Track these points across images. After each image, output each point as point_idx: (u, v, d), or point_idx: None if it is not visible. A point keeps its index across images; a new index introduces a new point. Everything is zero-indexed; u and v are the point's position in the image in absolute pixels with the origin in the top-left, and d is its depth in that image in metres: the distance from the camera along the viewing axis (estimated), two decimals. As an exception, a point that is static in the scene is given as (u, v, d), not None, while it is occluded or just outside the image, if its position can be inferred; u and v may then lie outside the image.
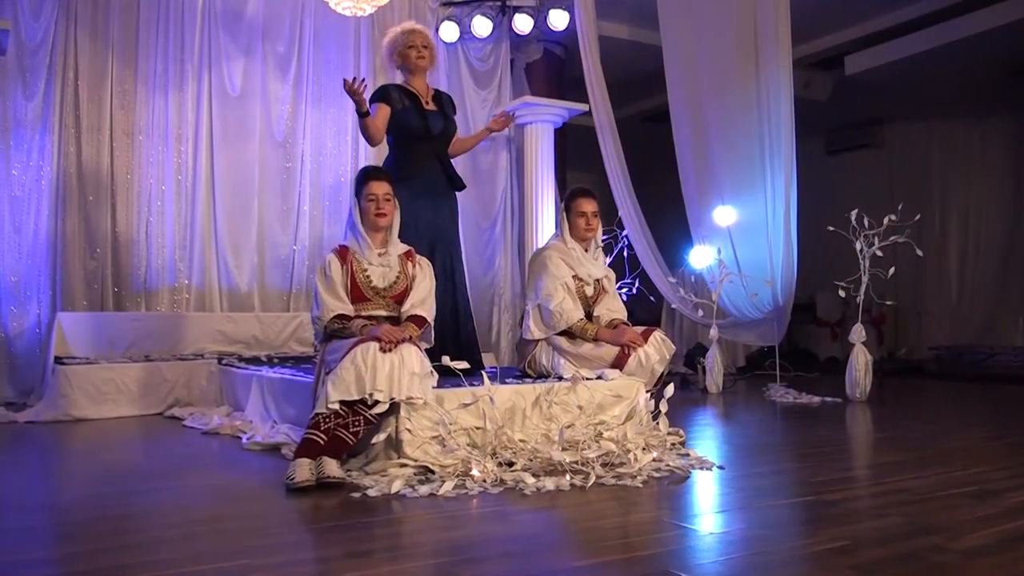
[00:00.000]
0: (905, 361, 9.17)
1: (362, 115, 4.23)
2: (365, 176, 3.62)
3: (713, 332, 6.50)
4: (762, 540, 2.28)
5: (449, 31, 7.25)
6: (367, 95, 4.22)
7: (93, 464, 3.76)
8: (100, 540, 2.34)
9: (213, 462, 3.67)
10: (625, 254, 6.84)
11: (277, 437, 3.83)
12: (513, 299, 7.47)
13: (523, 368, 4.16)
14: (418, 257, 3.72)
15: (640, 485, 2.90)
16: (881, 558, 2.04)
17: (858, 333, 5.68)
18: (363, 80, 4.12)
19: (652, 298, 7.10)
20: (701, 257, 6.88)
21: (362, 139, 6.96)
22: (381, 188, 3.56)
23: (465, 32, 7.32)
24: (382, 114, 4.36)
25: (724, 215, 6.56)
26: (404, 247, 3.69)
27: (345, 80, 4.09)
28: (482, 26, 7.28)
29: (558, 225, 4.30)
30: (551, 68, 7.95)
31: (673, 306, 7.15)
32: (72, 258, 6.01)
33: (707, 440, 4.08)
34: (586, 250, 4.20)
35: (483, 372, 3.28)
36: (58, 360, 5.32)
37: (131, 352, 5.71)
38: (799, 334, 9.72)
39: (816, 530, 2.36)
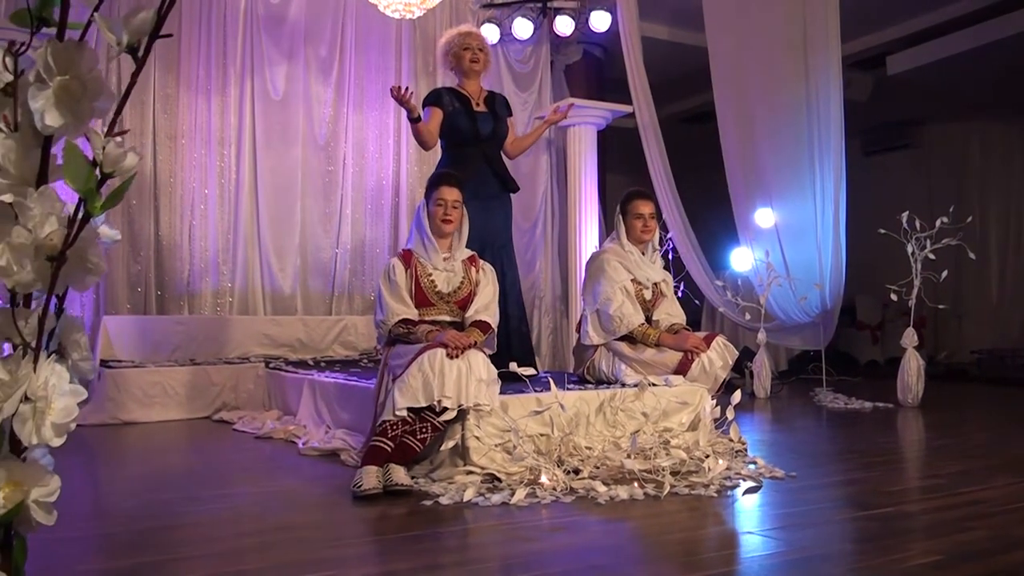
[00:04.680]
0: (947, 365, 9.05)
1: (413, 121, 4.21)
2: (438, 180, 3.60)
3: (761, 336, 6.43)
4: (852, 554, 2.23)
5: (489, 33, 7.20)
6: (414, 101, 4.21)
7: (150, 469, 3.74)
8: (169, 550, 2.32)
9: (271, 468, 3.66)
10: (670, 257, 6.78)
11: (334, 443, 3.80)
12: (553, 302, 7.43)
13: (581, 374, 4.11)
14: (481, 262, 3.69)
15: (714, 495, 2.86)
16: (978, 574, 1.99)
17: (910, 337, 5.59)
18: (408, 89, 4.11)
19: (697, 302, 7.04)
20: (743, 259, 6.81)
21: (404, 142, 7.01)
22: (452, 194, 3.54)
23: (505, 34, 7.28)
24: (435, 118, 4.34)
25: (765, 217, 6.50)
26: (468, 252, 3.67)
27: (392, 89, 4.08)
28: (523, 28, 7.24)
29: (615, 228, 4.24)
30: (591, 70, 7.90)
31: (720, 309, 7.09)
32: (115, 262, 6.02)
33: (768, 447, 4.02)
34: (643, 253, 4.15)
35: (549, 378, 3.24)
36: (104, 363, 5.33)
37: (176, 355, 5.72)
38: (838, 337, 9.60)
39: (904, 544, 2.30)
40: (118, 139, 1.02)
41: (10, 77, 0.98)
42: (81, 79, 0.97)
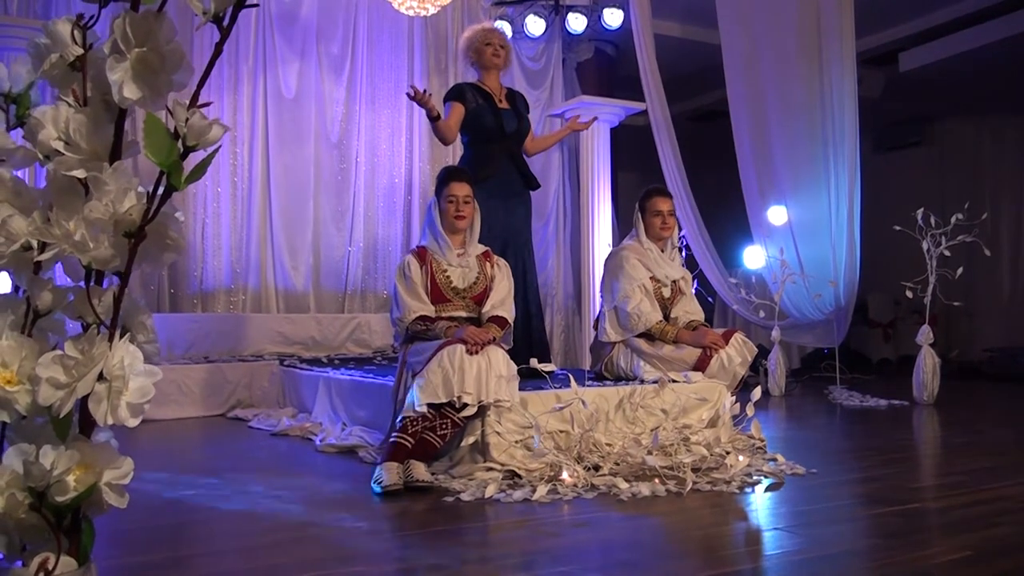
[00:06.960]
0: (959, 363, 9.00)
1: (434, 119, 4.19)
2: (447, 176, 3.59)
3: (775, 334, 6.41)
4: (879, 550, 2.21)
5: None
6: (432, 102, 4.17)
7: (167, 466, 3.71)
8: (189, 545, 2.33)
9: (289, 464, 3.65)
10: (683, 254, 6.76)
11: (351, 439, 3.80)
12: (565, 300, 7.41)
13: (599, 370, 4.10)
14: (496, 257, 3.69)
15: (736, 491, 2.85)
16: (1009, 570, 1.98)
17: (926, 335, 5.56)
18: (425, 90, 4.08)
19: (710, 299, 7.02)
20: (756, 257, 6.79)
21: (416, 139, 7.00)
22: (462, 190, 3.53)
23: (517, 31, 7.25)
24: (456, 113, 4.31)
25: (778, 214, 6.48)
26: (482, 247, 3.67)
27: (411, 91, 4.04)
28: (535, 25, 7.22)
29: (633, 225, 4.23)
30: (602, 67, 7.88)
31: (733, 307, 7.07)
32: (128, 259, 6.00)
33: (786, 444, 4.01)
34: (662, 250, 4.14)
35: (569, 375, 3.23)
36: (119, 362, 5.32)
37: (190, 353, 5.72)
38: (850, 335, 9.55)
39: (931, 540, 2.29)
40: (202, 111, 1.00)
41: (79, 51, 0.97)
42: (159, 51, 0.95)
